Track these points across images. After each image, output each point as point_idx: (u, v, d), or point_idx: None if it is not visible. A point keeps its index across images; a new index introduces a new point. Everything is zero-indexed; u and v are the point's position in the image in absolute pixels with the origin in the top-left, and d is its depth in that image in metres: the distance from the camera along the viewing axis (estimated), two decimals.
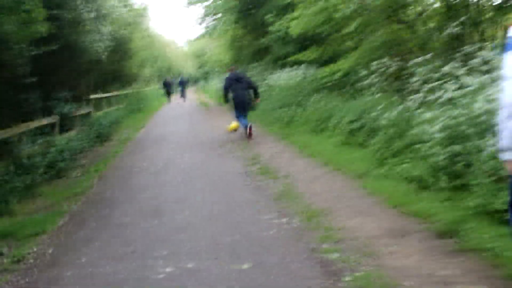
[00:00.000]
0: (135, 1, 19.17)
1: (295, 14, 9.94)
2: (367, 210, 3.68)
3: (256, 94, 8.47)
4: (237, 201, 4.43)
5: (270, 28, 12.90)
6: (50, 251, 3.60)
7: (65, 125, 9.20)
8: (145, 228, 3.90)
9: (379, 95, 6.51)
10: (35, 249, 3.65)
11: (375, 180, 4.43)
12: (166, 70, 35.86)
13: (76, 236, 3.91)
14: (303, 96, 10.26)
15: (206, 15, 16.71)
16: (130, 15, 16.12)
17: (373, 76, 6.62)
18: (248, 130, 7.99)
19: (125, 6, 15.27)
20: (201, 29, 16.85)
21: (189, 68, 48.29)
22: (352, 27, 7.52)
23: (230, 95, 8.20)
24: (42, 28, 7.33)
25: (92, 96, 11.26)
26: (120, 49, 15.58)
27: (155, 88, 28.47)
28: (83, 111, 10.21)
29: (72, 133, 8.73)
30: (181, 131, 10.55)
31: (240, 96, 8.07)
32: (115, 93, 15.20)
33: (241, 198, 4.57)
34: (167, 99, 23.10)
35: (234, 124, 8.33)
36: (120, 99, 16.39)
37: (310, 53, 11.53)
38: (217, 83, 24.88)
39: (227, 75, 8.74)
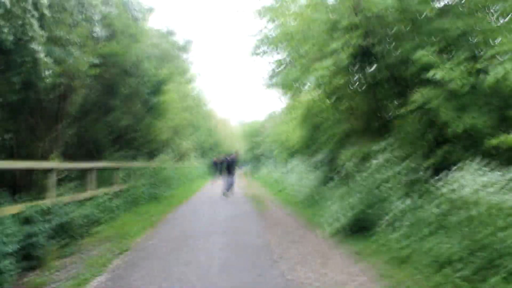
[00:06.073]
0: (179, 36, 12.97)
1: None
2: None
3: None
4: None
5: (430, 75, 6.02)
6: None
7: None
8: None
9: None
10: None
11: None
12: (211, 146, 29.95)
13: None
14: None
15: (280, 63, 10.25)
16: (165, 48, 9.96)
17: None
18: (231, 189, 13.85)
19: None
20: (269, 87, 9.81)
21: (238, 148, 42.56)
22: None
23: (225, 169, 14.46)
24: None
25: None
26: (136, 95, 9.35)
27: (192, 166, 22.08)
28: None
29: None
30: None
31: (232, 170, 14.11)
32: (104, 164, 8.35)
33: None
34: (211, 179, 20.87)
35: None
36: (125, 175, 9.77)
37: None
38: (277, 170, 17.96)
39: (227, 157, 15.38)
